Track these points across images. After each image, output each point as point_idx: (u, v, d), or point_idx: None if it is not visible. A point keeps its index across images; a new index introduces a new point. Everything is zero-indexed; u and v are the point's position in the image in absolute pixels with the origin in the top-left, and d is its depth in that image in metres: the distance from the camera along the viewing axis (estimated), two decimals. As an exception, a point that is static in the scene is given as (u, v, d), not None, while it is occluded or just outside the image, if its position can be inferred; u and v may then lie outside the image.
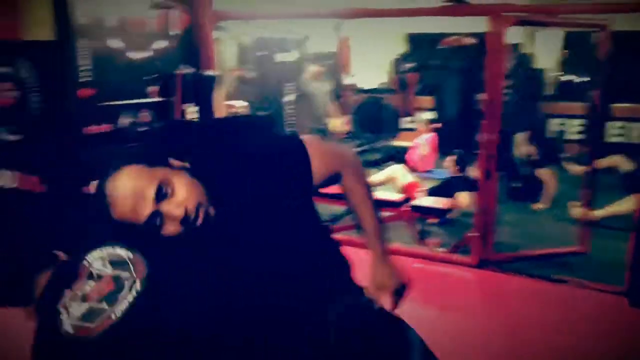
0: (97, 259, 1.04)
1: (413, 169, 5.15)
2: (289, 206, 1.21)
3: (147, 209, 1.05)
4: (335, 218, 4.38)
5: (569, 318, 2.84)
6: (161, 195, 1.05)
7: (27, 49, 3.69)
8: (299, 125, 5.81)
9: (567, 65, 7.96)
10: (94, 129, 3.89)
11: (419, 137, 5.71)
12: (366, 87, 8.40)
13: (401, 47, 8.68)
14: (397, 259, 1.41)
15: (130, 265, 1.02)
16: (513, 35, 3.58)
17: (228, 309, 1.07)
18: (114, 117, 4.03)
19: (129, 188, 1.04)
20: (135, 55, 4.14)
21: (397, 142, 7.36)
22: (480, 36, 4.30)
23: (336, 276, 1.34)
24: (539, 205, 5.13)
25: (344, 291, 1.33)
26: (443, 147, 5.47)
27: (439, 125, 5.93)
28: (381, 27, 7.96)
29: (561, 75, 8.00)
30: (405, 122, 7.91)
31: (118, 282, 1.00)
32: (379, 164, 6.35)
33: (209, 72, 4.31)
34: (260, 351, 1.08)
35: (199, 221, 1.07)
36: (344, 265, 1.38)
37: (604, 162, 4.41)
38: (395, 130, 7.84)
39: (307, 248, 1.26)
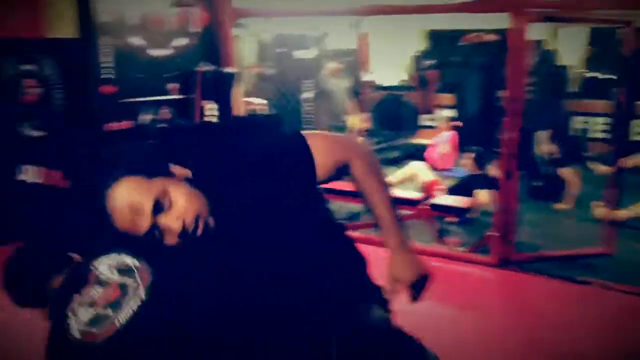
0: (105, 265, 1.06)
1: (432, 167, 5.10)
2: (293, 206, 1.19)
3: (145, 223, 1.06)
4: (353, 216, 4.37)
5: (592, 320, 2.79)
6: (159, 208, 1.06)
7: (51, 47, 3.76)
8: (317, 123, 5.80)
9: (591, 62, 7.79)
10: (114, 125, 3.94)
11: (439, 135, 5.66)
12: (385, 84, 8.34)
13: (421, 44, 8.60)
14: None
15: (136, 273, 1.04)
16: (536, 31, 3.52)
17: (233, 315, 1.06)
18: (135, 113, 4.08)
19: (127, 202, 1.05)
20: (156, 52, 4.18)
21: (417, 140, 7.31)
22: (502, 33, 4.24)
23: (349, 274, 1.30)
24: (561, 205, 5.03)
25: (358, 289, 1.30)
26: (463, 145, 5.41)
27: (460, 123, 5.87)
28: (401, 23, 7.89)
29: (585, 72, 7.83)
30: (424, 120, 7.85)
31: (123, 289, 1.02)
32: (397, 162, 6.31)
33: (229, 70, 4.34)
34: (260, 351, 1.07)
35: (198, 232, 1.07)
36: (359, 263, 1.35)
37: (629, 161, 4.31)
38: (414, 128, 7.78)
39: (314, 247, 1.24)
